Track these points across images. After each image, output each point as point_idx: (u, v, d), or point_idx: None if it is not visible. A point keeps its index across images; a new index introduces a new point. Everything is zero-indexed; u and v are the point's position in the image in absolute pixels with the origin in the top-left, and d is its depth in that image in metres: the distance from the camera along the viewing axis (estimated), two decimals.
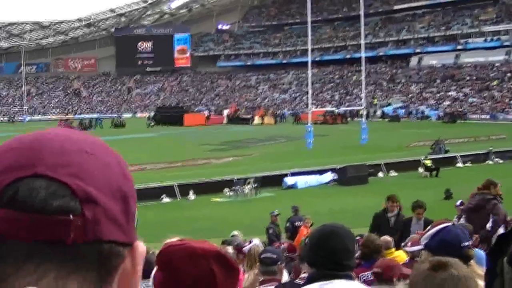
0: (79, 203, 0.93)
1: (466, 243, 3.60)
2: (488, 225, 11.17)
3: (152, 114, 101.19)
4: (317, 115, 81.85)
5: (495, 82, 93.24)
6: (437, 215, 15.38)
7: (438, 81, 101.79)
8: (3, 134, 78.91)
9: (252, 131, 73.75)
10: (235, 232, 17.04)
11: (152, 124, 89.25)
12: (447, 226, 3.80)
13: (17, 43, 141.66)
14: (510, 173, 29.17)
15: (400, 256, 9.88)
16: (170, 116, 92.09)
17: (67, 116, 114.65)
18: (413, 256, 7.42)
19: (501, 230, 10.52)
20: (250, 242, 10.38)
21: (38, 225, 0.92)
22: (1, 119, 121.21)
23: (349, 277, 3.48)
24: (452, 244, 3.61)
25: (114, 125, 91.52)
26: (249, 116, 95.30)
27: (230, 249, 11.90)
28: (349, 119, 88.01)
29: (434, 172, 37.19)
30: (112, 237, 0.97)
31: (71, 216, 0.92)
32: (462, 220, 12.02)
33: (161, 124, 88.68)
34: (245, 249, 9.86)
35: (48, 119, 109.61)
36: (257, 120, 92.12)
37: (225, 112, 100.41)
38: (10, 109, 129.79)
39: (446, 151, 44.76)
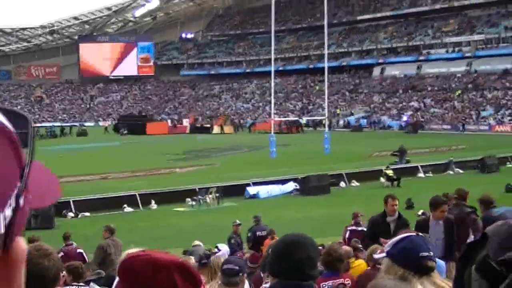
0: None
1: (425, 254, 3.65)
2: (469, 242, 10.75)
3: (114, 122, 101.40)
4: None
5: (458, 92, 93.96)
6: None
7: (400, 91, 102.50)
8: None
9: (215, 141, 73.71)
10: (197, 242, 17.02)
11: (125, 132, 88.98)
12: (409, 236, 3.85)
13: None
14: (470, 183, 29.41)
15: (360, 265, 9.99)
16: (132, 125, 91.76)
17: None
18: (376, 263, 7.47)
19: None
20: (218, 250, 10.38)
21: None
22: None
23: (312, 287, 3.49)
24: (410, 254, 3.66)
25: (77, 134, 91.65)
26: (208, 125, 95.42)
27: (192, 259, 11.90)
28: (310, 128, 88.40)
29: (396, 182, 37.47)
30: None
31: None
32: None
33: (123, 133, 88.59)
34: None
35: None
36: (216, 129, 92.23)
37: (185, 121, 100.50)
38: None
39: (407, 161, 45.15)
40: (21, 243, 0.97)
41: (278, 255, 3.64)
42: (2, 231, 0.91)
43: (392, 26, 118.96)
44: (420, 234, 4.18)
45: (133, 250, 2.53)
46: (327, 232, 21.39)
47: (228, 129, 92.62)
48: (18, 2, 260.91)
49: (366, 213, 17.82)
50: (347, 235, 16.20)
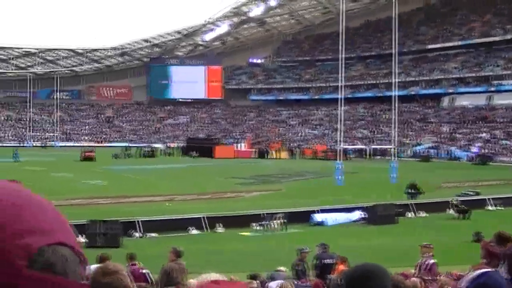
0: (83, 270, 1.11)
1: None
2: None
3: (181, 145, 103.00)
4: (320, 151, 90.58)
5: None
6: (466, 258, 15.24)
7: (470, 122, 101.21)
8: (37, 159, 79.77)
9: (280, 166, 73.71)
10: (282, 268, 16.86)
11: (195, 154, 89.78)
12: (488, 271, 3.75)
13: (52, 69, 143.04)
14: None
15: None
16: (200, 148, 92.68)
17: (95, 145, 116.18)
18: None
19: None
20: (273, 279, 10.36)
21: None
22: (34, 144, 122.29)
23: None
24: None
25: (143, 155, 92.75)
26: (264, 150, 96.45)
27: (254, 284, 11.84)
28: (378, 157, 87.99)
29: (466, 214, 36.76)
30: None
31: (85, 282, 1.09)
32: (503, 268, 11.50)
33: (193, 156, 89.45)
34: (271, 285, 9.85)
35: (80, 145, 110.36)
36: (273, 154, 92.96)
37: (241, 145, 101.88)
38: (43, 134, 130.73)
39: (477, 193, 44.24)
40: None
41: (353, 284, 3.34)
42: None
43: (462, 55, 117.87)
44: (495, 269, 4.08)
45: (204, 276, 2.51)
46: (394, 262, 21.13)
47: (283, 154, 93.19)
48: (90, 24, 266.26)
49: (435, 245, 17.55)
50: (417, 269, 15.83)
